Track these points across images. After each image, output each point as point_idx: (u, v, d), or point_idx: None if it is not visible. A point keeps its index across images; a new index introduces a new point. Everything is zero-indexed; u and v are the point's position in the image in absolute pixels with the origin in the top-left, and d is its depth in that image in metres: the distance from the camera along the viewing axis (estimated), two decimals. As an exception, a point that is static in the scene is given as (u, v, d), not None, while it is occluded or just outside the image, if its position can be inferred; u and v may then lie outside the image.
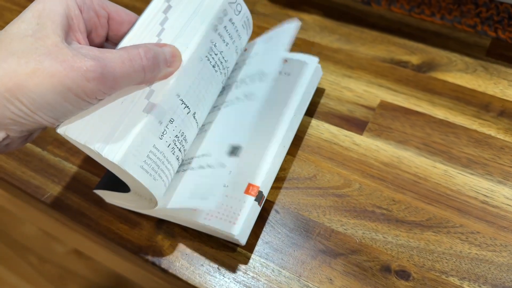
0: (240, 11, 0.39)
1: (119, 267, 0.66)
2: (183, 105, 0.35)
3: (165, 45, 0.33)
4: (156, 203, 0.35)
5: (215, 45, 0.37)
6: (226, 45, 0.38)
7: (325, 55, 0.50)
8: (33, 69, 0.27)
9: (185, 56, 0.34)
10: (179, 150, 0.35)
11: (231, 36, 0.39)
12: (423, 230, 0.37)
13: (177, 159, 0.35)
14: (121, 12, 0.34)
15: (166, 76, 0.34)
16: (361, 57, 0.49)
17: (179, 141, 0.35)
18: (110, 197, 0.40)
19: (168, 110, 0.33)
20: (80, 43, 0.31)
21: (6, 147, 0.31)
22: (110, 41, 0.35)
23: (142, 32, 0.34)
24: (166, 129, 0.34)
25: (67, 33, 0.30)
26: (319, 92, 0.46)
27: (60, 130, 0.30)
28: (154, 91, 0.33)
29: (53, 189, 0.43)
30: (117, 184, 0.37)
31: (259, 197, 0.37)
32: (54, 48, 0.28)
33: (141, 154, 0.32)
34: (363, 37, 0.51)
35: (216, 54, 0.37)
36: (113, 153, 0.31)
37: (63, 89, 0.27)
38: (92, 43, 0.34)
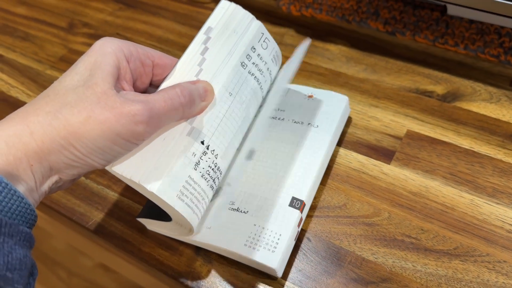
0: (267, 46, 0.42)
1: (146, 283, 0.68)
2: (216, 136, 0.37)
3: (198, 81, 0.36)
4: (193, 232, 0.38)
5: (245, 80, 0.39)
6: (255, 79, 0.41)
7: (352, 85, 0.52)
8: (85, 117, 0.29)
9: (216, 91, 0.37)
10: (213, 180, 0.38)
11: (261, 70, 0.41)
12: (450, 258, 0.39)
13: (211, 188, 0.38)
14: (163, 58, 0.37)
15: (202, 110, 0.36)
16: (387, 87, 0.51)
17: (213, 171, 0.37)
18: (152, 225, 0.42)
19: (201, 142, 0.36)
20: (125, 90, 0.34)
21: (58, 188, 0.34)
22: (153, 85, 0.38)
23: (182, 73, 0.37)
24: (200, 160, 0.36)
25: (116, 82, 0.33)
26: (347, 122, 0.48)
27: (107, 167, 0.33)
28: (195, 128, 0.36)
29: (97, 217, 0.45)
30: (159, 213, 0.39)
31: (302, 211, 0.40)
32: (103, 96, 0.30)
33: (177, 185, 0.34)
34: (388, 67, 0.53)
35: (245, 88, 0.40)
36: (155, 186, 0.33)
37: (112, 135, 0.30)
38: (137, 90, 0.36)
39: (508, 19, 0.48)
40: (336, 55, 0.55)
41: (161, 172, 0.34)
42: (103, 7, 0.69)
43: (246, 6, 0.41)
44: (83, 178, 0.48)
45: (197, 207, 0.36)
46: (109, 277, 1.04)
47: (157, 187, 0.33)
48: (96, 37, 0.63)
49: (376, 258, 0.39)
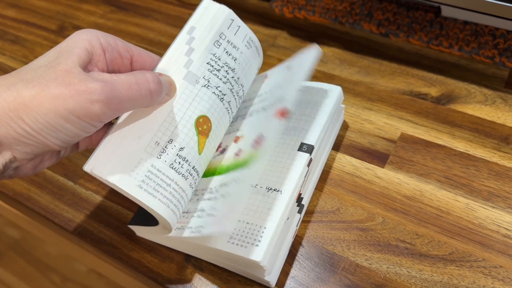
0: (239, 32, 0.41)
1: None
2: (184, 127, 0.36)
3: (161, 74, 0.35)
4: (171, 229, 0.36)
5: (212, 67, 0.38)
6: (228, 67, 0.39)
7: (345, 88, 0.51)
8: (38, 91, 0.28)
9: (182, 78, 0.37)
10: (185, 169, 0.36)
11: (234, 57, 0.40)
12: (446, 264, 0.38)
13: (184, 178, 0.36)
14: (143, 55, 0.36)
15: (162, 103, 0.35)
16: (381, 89, 0.50)
17: (183, 160, 0.36)
18: (142, 231, 0.42)
19: (167, 132, 0.35)
20: None
21: (16, 170, 0.32)
22: None
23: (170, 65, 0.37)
24: (165, 149, 0.35)
25: (85, 67, 0.31)
26: (341, 125, 0.48)
27: (84, 167, 0.33)
28: (159, 117, 0.35)
29: (86, 222, 0.44)
30: (148, 219, 0.38)
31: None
32: (63, 73, 0.29)
33: (139, 174, 0.33)
34: (382, 69, 0.52)
35: (215, 75, 0.38)
36: (116, 177, 0.33)
37: (65, 111, 0.29)
38: None
39: (503, 20, 0.48)
40: (330, 58, 0.54)
41: (124, 164, 0.33)
42: (94, 9, 0.68)
43: (238, 8, 0.40)
44: (71, 183, 0.47)
45: (167, 197, 0.35)
46: (103, 281, 1.03)
47: (117, 178, 0.33)
48: (87, 40, 0.62)
49: (370, 264, 0.39)
